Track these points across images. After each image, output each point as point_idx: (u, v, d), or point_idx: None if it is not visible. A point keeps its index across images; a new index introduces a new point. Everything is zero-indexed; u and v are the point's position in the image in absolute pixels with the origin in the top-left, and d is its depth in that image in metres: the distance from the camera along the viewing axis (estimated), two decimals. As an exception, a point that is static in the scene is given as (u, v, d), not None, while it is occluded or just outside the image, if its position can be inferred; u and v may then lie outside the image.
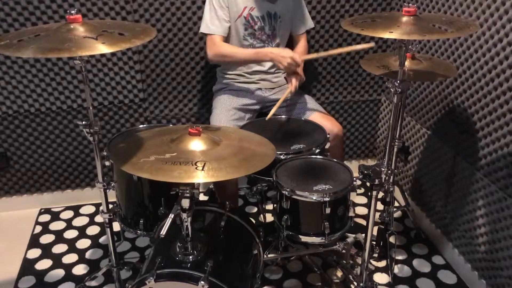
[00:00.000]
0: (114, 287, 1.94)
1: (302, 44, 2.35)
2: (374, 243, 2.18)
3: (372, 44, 2.09)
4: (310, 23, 2.36)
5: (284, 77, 2.31)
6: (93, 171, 2.68)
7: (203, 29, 2.17)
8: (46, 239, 2.42)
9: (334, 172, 1.82)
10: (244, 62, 2.20)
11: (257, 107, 2.31)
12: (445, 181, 2.19)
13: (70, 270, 2.20)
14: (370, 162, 3.00)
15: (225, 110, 2.21)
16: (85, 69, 1.55)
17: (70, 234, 2.46)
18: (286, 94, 2.10)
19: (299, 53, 2.23)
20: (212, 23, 2.14)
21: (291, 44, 2.36)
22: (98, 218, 2.57)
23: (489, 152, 1.88)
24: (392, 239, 2.20)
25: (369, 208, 1.61)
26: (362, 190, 2.59)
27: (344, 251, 1.93)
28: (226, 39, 2.19)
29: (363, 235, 1.69)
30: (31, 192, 2.67)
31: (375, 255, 2.13)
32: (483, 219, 1.94)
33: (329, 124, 2.15)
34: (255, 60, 2.16)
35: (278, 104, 2.07)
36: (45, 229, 2.50)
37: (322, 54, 2.40)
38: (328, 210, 1.68)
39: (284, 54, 2.02)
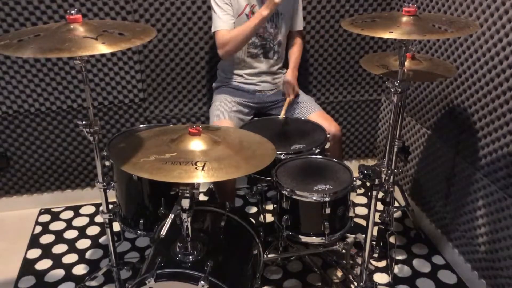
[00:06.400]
0: (114, 287, 1.94)
1: (298, 42, 2.38)
2: (374, 243, 2.18)
3: None
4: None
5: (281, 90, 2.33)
6: (93, 171, 2.68)
7: (214, 28, 2.17)
8: (46, 239, 2.42)
9: (334, 172, 1.82)
10: (249, 34, 2.10)
11: (255, 105, 2.32)
12: (445, 181, 2.19)
13: (70, 270, 2.20)
14: (370, 162, 3.00)
15: (225, 102, 2.23)
16: (85, 69, 1.55)
17: (70, 234, 2.46)
18: (286, 104, 2.23)
19: (294, 52, 2.36)
20: (220, 20, 2.14)
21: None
22: (98, 218, 2.57)
23: (489, 152, 1.88)
24: (392, 239, 2.20)
25: (369, 208, 1.61)
26: (362, 190, 2.59)
27: (344, 251, 1.93)
28: None
29: (363, 235, 1.69)
30: (31, 192, 2.67)
31: (375, 255, 2.14)
32: (483, 219, 1.94)
33: (327, 124, 2.15)
34: (255, 25, 2.05)
35: (284, 108, 2.22)
36: (45, 229, 2.49)
37: None
38: (328, 210, 1.68)
39: None
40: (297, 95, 2.30)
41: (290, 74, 2.28)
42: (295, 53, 2.35)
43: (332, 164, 1.87)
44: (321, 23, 2.53)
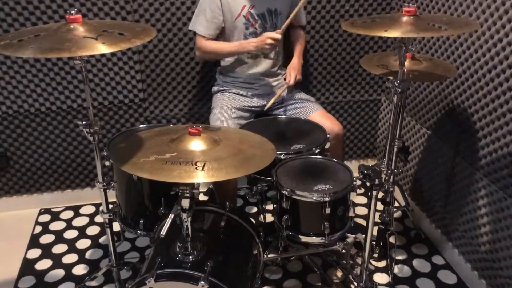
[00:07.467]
0: (114, 287, 1.94)
1: (301, 34, 2.39)
2: (374, 243, 2.18)
3: None
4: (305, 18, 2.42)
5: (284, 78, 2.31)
6: (93, 171, 2.68)
7: (191, 26, 2.23)
8: (46, 239, 2.42)
9: (334, 172, 1.82)
10: (228, 55, 2.23)
11: (256, 109, 2.31)
12: (445, 181, 2.19)
13: (70, 270, 2.20)
14: (370, 162, 3.00)
15: (225, 109, 2.21)
16: (85, 69, 1.56)
17: (70, 234, 2.46)
18: (284, 89, 2.21)
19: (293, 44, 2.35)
20: (200, 24, 2.17)
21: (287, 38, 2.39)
22: (98, 218, 2.57)
23: (489, 152, 1.88)
24: (392, 239, 2.20)
25: (369, 208, 1.61)
26: (362, 190, 2.57)
27: (344, 251, 1.93)
28: (229, 40, 2.20)
29: (363, 235, 1.69)
30: (31, 192, 2.67)
31: (375, 255, 2.14)
32: (483, 219, 1.94)
33: (329, 123, 2.15)
34: (240, 52, 2.17)
35: (275, 97, 2.19)
36: (45, 229, 2.49)
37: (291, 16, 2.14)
38: (328, 210, 1.68)
39: (262, 38, 2.06)
40: (297, 82, 2.28)
41: (295, 60, 2.28)
42: (300, 44, 2.35)
43: (332, 164, 1.87)
44: (321, 23, 2.53)
